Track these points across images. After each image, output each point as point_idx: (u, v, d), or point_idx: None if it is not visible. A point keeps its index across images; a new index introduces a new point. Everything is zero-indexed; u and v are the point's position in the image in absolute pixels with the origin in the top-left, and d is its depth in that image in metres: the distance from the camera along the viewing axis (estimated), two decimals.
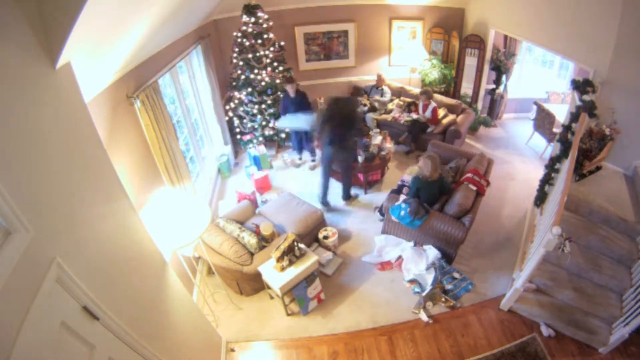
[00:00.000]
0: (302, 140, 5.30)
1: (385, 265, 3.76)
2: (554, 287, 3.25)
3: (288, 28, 6.01)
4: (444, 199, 3.80)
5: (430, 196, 3.72)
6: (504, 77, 6.04)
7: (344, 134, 4.04)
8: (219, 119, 5.22)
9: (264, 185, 4.90)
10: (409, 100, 6.08)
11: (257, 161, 5.32)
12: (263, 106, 5.24)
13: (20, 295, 1.04)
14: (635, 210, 3.54)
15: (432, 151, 4.79)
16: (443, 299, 3.37)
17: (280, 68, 5.21)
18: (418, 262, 3.60)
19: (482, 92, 6.24)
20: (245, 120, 5.44)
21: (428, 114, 5.46)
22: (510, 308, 3.26)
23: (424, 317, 3.22)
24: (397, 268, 3.72)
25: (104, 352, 1.42)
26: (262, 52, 4.91)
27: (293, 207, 4.00)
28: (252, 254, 3.35)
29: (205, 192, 4.53)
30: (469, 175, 3.85)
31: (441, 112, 5.59)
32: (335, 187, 4.80)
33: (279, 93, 5.23)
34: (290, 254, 3.16)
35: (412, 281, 3.53)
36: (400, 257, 3.76)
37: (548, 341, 3.01)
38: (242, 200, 4.60)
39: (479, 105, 6.30)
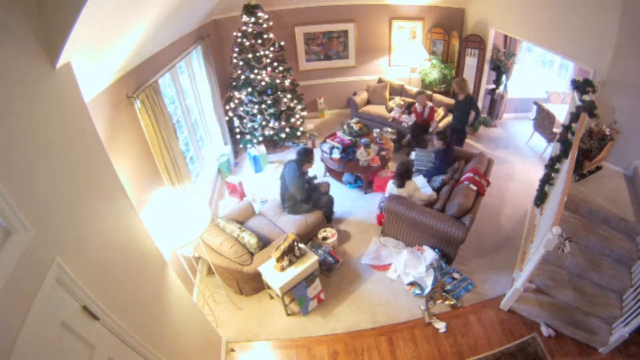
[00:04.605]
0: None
1: (383, 267, 3.75)
2: (554, 287, 3.25)
3: (288, 28, 6.01)
4: (445, 197, 3.80)
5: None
6: (504, 77, 6.05)
7: None
8: (218, 119, 5.22)
9: (237, 191, 4.76)
10: (409, 100, 6.08)
11: (256, 161, 5.32)
12: (263, 106, 5.23)
13: (20, 295, 1.04)
14: (635, 210, 3.54)
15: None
16: (444, 298, 3.37)
17: (280, 68, 5.21)
18: (417, 265, 3.59)
19: (482, 92, 6.24)
20: (245, 120, 5.44)
21: (425, 114, 5.45)
22: (510, 308, 3.26)
23: (440, 325, 3.15)
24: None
25: (104, 352, 1.42)
26: (262, 52, 4.91)
27: None
28: (252, 254, 3.35)
29: (205, 192, 4.53)
30: (469, 174, 3.85)
31: (441, 112, 5.58)
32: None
33: (278, 93, 5.23)
34: (290, 254, 3.16)
35: (412, 284, 3.53)
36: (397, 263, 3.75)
37: (548, 341, 3.01)
38: (232, 190, 4.72)
39: (479, 105, 6.30)
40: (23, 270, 1.05)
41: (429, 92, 5.85)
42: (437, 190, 4.15)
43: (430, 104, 5.46)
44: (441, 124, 5.42)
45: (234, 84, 5.19)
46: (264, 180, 5.19)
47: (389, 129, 5.68)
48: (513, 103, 6.54)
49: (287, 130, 5.55)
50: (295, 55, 6.30)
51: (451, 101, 5.79)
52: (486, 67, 5.91)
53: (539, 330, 3.09)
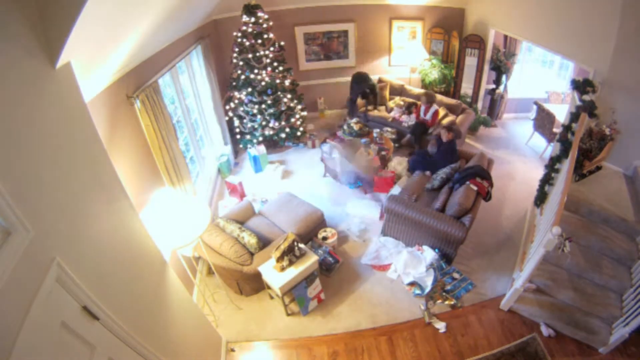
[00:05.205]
0: None
1: (383, 267, 3.75)
2: (554, 287, 3.25)
3: (288, 28, 6.01)
4: (443, 198, 3.80)
5: None
6: (504, 77, 6.05)
7: None
8: (219, 119, 5.22)
9: (237, 191, 4.77)
10: (409, 100, 6.08)
11: (256, 161, 5.32)
12: (263, 106, 5.24)
13: (20, 295, 1.04)
14: (635, 210, 3.54)
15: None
16: (444, 298, 3.37)
17: (280, 68, 5.21)
18: (417, 265, 3.59)
19: (482, 92, 6.24)
20: (245, 120, 5.44)
21: (429, 116, 5.44)
22: (510, 308, 3.26)
23: (440, 325, 3.15)
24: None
25: (104, 352, 1.42)
26: (262, 52, 4.91)
27: (293, 207, 4.00)
28: (252, 254, 3.35)
29: (205, 192, 4.53)
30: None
31: (441, 112, 5.59)
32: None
33: (278, 93, 5.22)
34: (290, 254, 3.16)
35: (412, 284, 3.53)
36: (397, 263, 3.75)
37: (548, 341, 3.01)
38: (232, 190, 4.72)
39: (479, 105, 6.30)
40: (23, 270, 1.05)
41: (431, 93, 5.77)
42: (438, 188, 4.16)
43: (435, 106, 5.45)
44: (443, 122, 5.42)
45: (234, 84, 5.19)
46: (264, 180, 5.19)
47: (389, 129, 5.69)
48: (513, 103, 6.54)
49: (287, 130, 5.55)
50: (295, 55, 6.30)
51: (452, 101, 5.80)
52: (486, 67, 5.91)
53: (539, 330, 3.09)
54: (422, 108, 5.50)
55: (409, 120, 5.63)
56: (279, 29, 5.57)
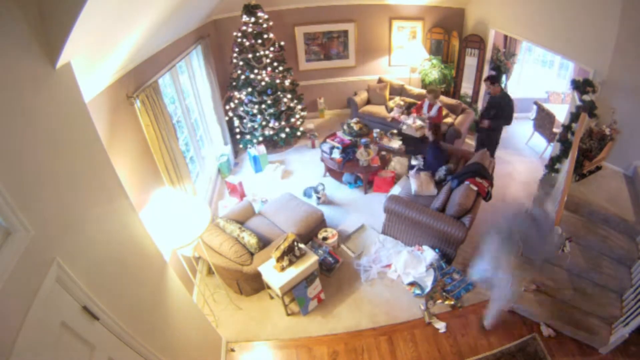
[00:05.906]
0: None
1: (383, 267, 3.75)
2: (554, 287, 3.25)
3: (288, 28, 6.01)
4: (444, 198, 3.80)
5: None
6: (504, 77, 6.04)
7: None
8: (219, 119, 5.22)
9: (237, 191, 4.77)
10: (409, 100, 6.07)
11: (256, 161, 5.32)
12: (263, 106, 5.24)
13: (20, 295, 1.04)
14: (635, 210, 3.53)
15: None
16: (444, 298, 3.37)
17: (280, 68, 5.21)
18: (417, 265, 3.59)
19: (482, 92, 6.23)
20: (245, 120, 5.44)
21: (433, 112, 5.42)
22: (510, 308, 3.26)
23: (440, 325, 3.15)
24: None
25: (104, 352, 1.42)
26: (262, 52, 4.92)
27: (293, 207, 4.00)
28: (252, 254, 3.35)
29: (205, 192, 4.53)
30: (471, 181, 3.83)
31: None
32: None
33: (278, 93, 5.22)
34: (290, 254, 3.16)
35: (412, 284, 3.52)
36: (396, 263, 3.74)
37: (548, 341, 3.01)
38: (232, 190, 4.74)
39: (479, 105, 6.29)
40: (23, 270, 1.05)
41: (437, 89, 5.67)
42: (441, 181, 4.16)
43: (439, 103, 5.43)
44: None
45: (234, 84, 5.19)
46: (264, 180, 5.19)
47: (394, 130, 5.59)
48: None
49: (287, 130, 5.55)
50: (295, 55, 6.30)
51: (452, 101, 5.79)
52: (486, 67, 5.90)
53: (539, 330, 3.09)
54: (426, 105, 5.46)
55: (407, 122, 5.56)
56: (279, 29, 5.57)
